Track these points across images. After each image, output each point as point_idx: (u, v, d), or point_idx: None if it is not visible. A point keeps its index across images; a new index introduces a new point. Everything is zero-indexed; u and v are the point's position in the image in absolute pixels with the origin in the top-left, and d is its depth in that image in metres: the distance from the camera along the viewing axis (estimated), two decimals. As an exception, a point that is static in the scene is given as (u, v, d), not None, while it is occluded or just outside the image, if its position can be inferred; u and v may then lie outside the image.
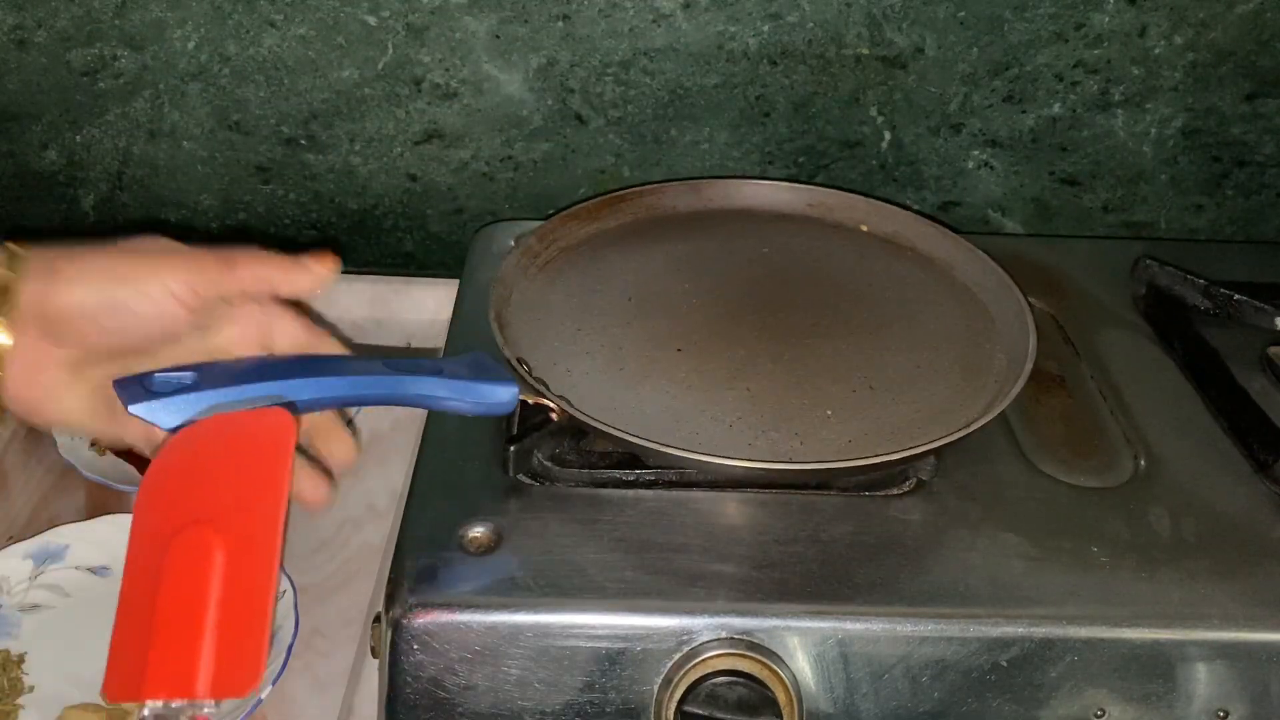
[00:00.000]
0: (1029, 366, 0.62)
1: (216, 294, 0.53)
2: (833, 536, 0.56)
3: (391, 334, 0.89)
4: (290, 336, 0.57)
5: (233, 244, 0.92)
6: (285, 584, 0.67)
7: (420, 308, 0.90)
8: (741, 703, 0.51)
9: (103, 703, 0.62)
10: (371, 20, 0.82)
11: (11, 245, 0.51)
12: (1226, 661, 0.52)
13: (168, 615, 0.42)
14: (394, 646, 0.52)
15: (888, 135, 0.87)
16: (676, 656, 0.51)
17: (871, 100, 0.85)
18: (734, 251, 0.77)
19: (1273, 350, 0.70)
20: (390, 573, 0.54)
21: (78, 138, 0.88)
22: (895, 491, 0.59)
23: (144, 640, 0.42)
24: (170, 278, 0.52)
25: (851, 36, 0.82)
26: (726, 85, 0.85)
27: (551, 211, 0.85)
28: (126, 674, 0.41)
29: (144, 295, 0.51)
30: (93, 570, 0.69)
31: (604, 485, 0.59)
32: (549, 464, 0.60)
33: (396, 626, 0.51)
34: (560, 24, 0.82)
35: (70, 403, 0.53)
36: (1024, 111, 0.86)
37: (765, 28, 0.82)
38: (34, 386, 0.52)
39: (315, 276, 0.57)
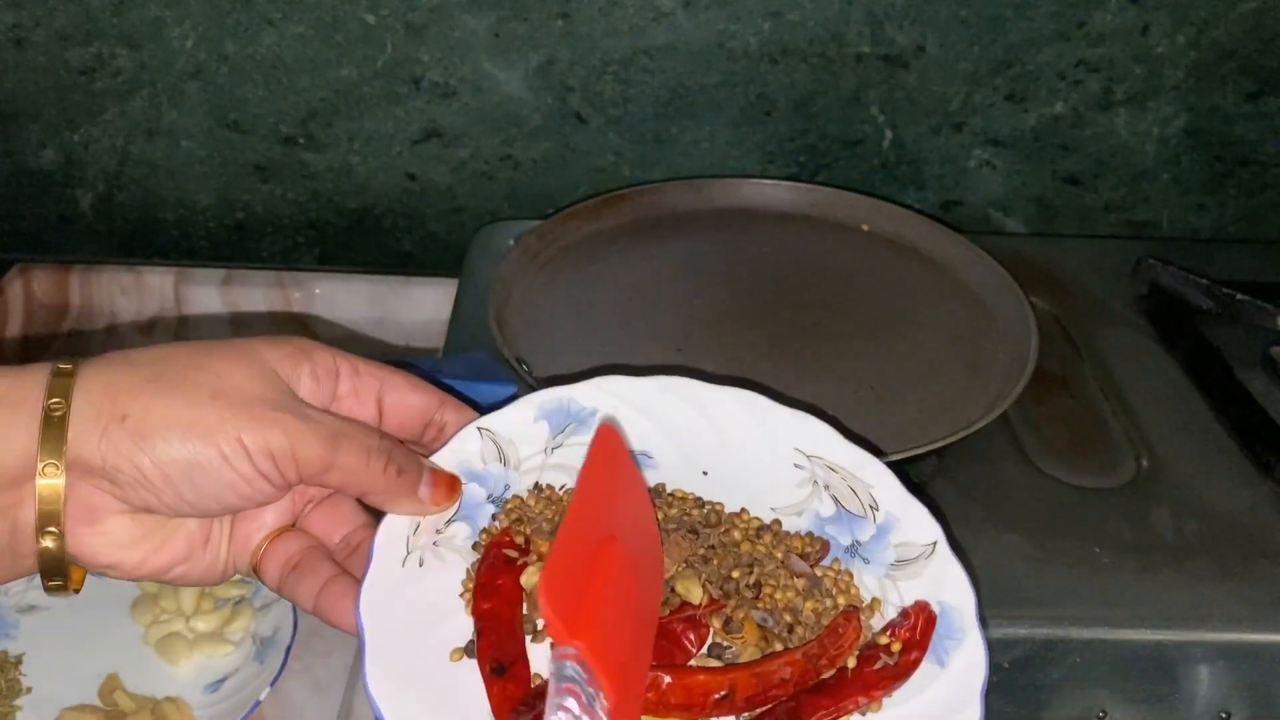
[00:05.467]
0: (1031, 366, 0.62)
1: (302, 480, 0.43)
2: (834, 537, 0.55)
3: (390, 334, 0.89)
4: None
5: (231, 243, 0.93)
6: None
7: (419, 307, 0.89)
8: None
9: (100, 704, 0.62)
10: (370, 18, 0.82)
11: (61, 363, 0.41)
12: (1229, 663, 0.52)
13: (603, 604, 0.39)
14: (392, 648, 0.51)
15: (889, 134, 0.87)
16: (677, 658, 0.51)
17: (873, 99, 0.85)
18: (734, 251, 0.76)
19: (1275, 350, 0.70)
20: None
21: (75, 137, 0.88)
22: (896, 492, 0.59)
23: (580, 596, 0.38)
24: (259, 450, 0.41)
25: (853, 35, 0.82)
26: (727, 84, 0.85)
27: (551, 211, 0.85)
28: (566, 606, 0.37)
29: (228, 464, 0.41)
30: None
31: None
32: (548, 464, 0.60)
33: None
34: (560, 22, 0.82)
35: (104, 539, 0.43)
36: (1026, 110, 0.85)
37: (766, 26, 0.82)
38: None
39: (423, 506, 0.46)
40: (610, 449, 0.44)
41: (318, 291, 0.89)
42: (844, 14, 0.81)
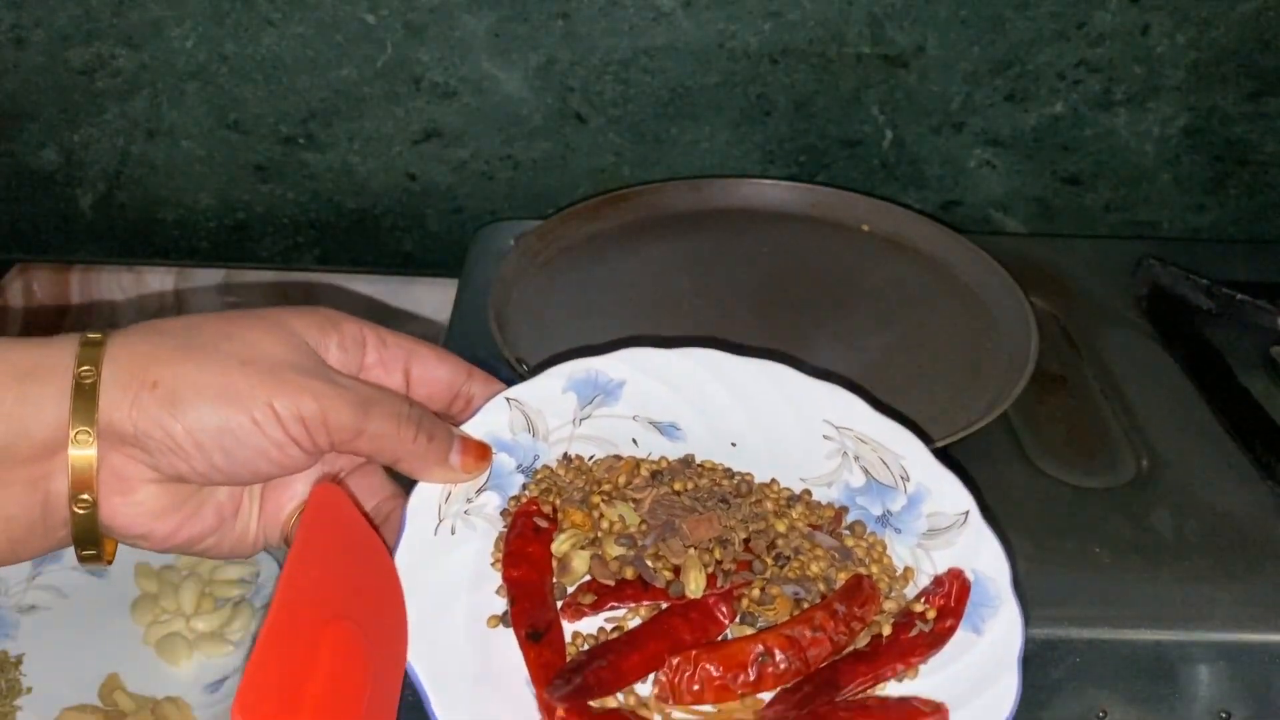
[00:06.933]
0: (1031, 366, 0.62)
1: (333, 446, 0.43)
2: (834, 537, 0.55)
3: (391, 334, 0.89)
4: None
5: (231, 243, 0.93)
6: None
7: (420, 308, 0.90)
8: (742, 705, 0.51)
9: (100, 704, 0.62)
10: (370, 19, 0.82)
11: (90, 333, 0.41)
12: (1229, 662, 0.52)
13: (323, 702, 0.37)
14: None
15: (889, 134, 0.87)
16: (676, 658, 0.51)
17: (873, 99, 0.85)
18: (734, 251, 0.76)
19: (1275, 350, 0.70)
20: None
21: (76, 137, 0.88)
22: (897, 492, 0.59)
23: (293, 703, 0.36)
24: (291, 415, 0.41)
25: (853, 35, 0.82)
26: (727, 84, 0.85)
27: (551, 211, 0.85)
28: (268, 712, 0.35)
29: (259, 430, 0.41)
30: (91, 571, 0.69)
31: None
32: (548, 464, 0.60)
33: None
34: (560, 22, 0.82)
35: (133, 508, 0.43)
36: (1026, 110, 0.85)
37: (766, 26, 0.82)
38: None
39: (454, 473, 0.46)
40: (329, 512, 0.42)
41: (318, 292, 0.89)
42: (844, 14, 0.81)
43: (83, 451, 0.40)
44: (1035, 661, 0.52)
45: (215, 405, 0.40)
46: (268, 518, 0.46)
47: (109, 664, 0.63)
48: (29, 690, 0.62)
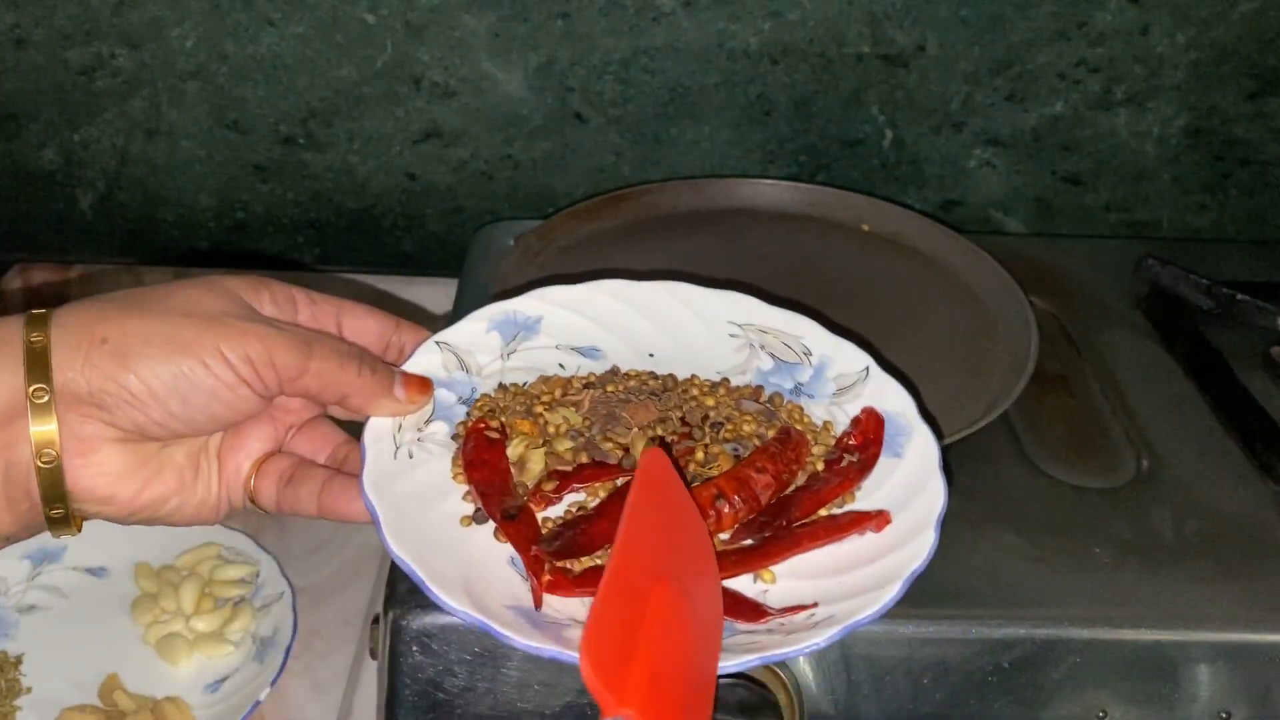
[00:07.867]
0: (1031, 366, 0.62)
1: (281, 387, 0.45)
2: (834, 537, 0.55)
3: (391, 333, 0.89)
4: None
5: (231, 243, 0.93)
6: (284, 585, 0.67)
7: (419, 307, 0.89)
8: (743, 705, 0.51)
9: (100, 704, 0.62)
10: (370, 18, 0.82)
11: (35, 311, 0.43)
12: (1229, 663, 0.52)
13: (655, 654, 0.37)
14: (393, 648, 0.51)
15: (889, 134, 0.87)
16: (677, 658, 0.51)
17: (873, 99, 0.85)
18: (734, 251, 0.76)
19: (1275, 350, 0.70)
20: (389, 573, 0.53)
21: (75, 136, 0.88)
22: (897, 492, 0.59)
23: (628, 653, 0.36)
24: (239, 357, 0.43)
25: (853, 35, 0.82)
26: (727, 84, 0.85)
27: (551, 211, 0.85)
28: (612, 668, 0.35)
29: (210, 373, 0.43)
30: (90, 571, 0.69)
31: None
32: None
33: (395, 628, 0.51)
34: (560, 22, 0.82)
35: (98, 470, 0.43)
36: (1026, 110, 0.85)
37: (766, 26, 0.82)
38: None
39: (399, 405, 0.48)
40: (658, 476, 0.44)
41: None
42: (844, 14, 0.81)
43: (43, 415, 0.41)
44: (1035, 661, 0.52)
45: (165, 353, 0.42)
46: (228, 477, 0.48)
47: (109, 664, 0.63)
48: (29, 690, 0.62)
